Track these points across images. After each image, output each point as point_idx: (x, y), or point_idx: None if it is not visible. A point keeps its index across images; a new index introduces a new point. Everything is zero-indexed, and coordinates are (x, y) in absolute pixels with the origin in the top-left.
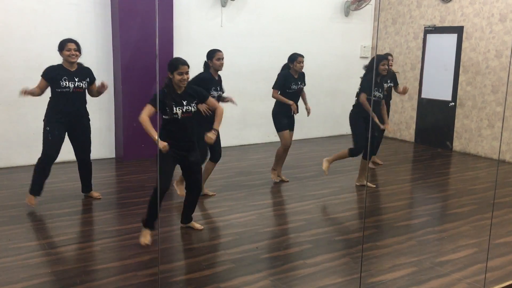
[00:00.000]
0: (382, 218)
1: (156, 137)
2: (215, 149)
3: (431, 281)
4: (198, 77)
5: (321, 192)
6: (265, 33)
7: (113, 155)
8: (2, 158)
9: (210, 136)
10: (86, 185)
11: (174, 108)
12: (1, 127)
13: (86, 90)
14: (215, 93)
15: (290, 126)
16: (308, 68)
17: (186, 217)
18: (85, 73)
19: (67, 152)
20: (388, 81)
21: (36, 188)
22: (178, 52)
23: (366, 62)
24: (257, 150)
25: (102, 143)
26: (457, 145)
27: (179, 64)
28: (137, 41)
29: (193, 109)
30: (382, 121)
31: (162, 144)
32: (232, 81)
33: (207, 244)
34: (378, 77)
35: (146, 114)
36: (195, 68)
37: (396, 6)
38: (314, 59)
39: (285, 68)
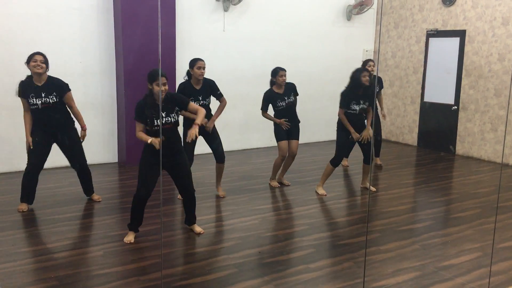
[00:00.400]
0: (385, 222)
1: (149, 140)
2: (217, 149)
3: (435, 286)
4: (178, 87)
5: (323, 196)
6: (268, 37)
7: (116, 160)
8: (5, 163)
9: (191, 132)
10: (87, 189)
11: (155, 120)
12: (4, 132)
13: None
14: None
15: (290, 136)
16: (311, 72)
17: (188, 219)
18: (54, 87)
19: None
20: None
21: (27, 196)
22: (181, 57)
23: None
24: (260, 154)
25: (105, 147)
26: (460, 148)
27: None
28: (140, 46)
29: (173, 120)
30: (363, 128)
31: (155, 141)
32: (235, 85)
33: (210, 249)
34: (361, 89)
35: (138, 130)
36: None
37: (398, 10)
38: (317, 63)
39: (271, 83)
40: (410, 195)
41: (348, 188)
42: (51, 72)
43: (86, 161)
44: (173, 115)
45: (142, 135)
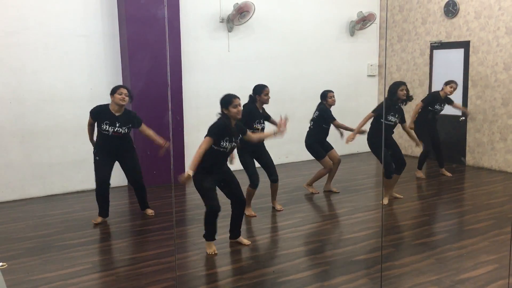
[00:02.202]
0: (399, 237)
1: (190, 172)
2: (270, 169)
3: None
4: (244, 109)
5: (336, 212)
6: (272, 55)
7: (126, 183)
8: (16, 190)
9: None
10: (143, 204)
11: (226, 142)
12: (16, 159)
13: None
14: (258, 126)
15: (328, 149)
16: (316, 88)
17: (235, 232)
18: (129, 120)
19: (79, 181)
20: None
21: (101, 210)
22: (187, 78)
23: (374, 80)
24: None
25: (114, 171)
26: (470, 159)
27: (232, 98)
28: (147, 70)
29: (235, 144)
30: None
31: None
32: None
33: (223, 270)
34: (397, 102)
35: (204, 147)
36: (204, 94)
37: (401, 23)
38: (322, 79)
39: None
40: (422, 208)
41: (360, 203)
42: (61, 98)
43: (142, 178)
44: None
45: (194, 160)
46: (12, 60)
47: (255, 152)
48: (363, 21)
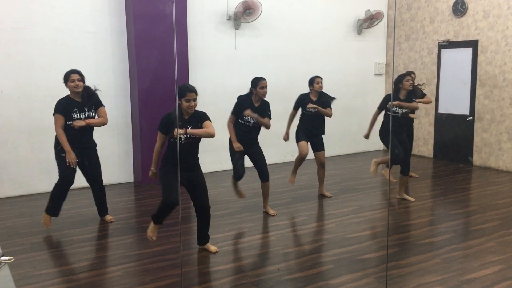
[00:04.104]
0: (404, 236)
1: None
2: (261, 168)
3: None
4: (237, 100)
5: (341, 211)
6: (279, 53)
7: (132, 180)
8: (23, 185)
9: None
10: (102, 210)
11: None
12: (23, 154)
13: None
14: (248, 118)
15: (317, 148)
16: (324, 86)
17: (202, 238)
18: (92, 101)
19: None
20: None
21: (53, 209)
22: (194, 75)
23: (381, 79)
24: (274, 170)
25: (121, 167)
26: (477, 159)
27: (186, 92)
28: (154, 67)
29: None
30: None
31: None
32: None
33: (228, 267)
34: (403, 93)
35: (159, 142)
36: (211, 91)
37: (409, 22)
38: (329, 77)
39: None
40: (428, 207)
41: (365, 201)
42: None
43: (101, 178)
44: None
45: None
46: (20, 56)
47: (245, 148)
48: (371, 19)
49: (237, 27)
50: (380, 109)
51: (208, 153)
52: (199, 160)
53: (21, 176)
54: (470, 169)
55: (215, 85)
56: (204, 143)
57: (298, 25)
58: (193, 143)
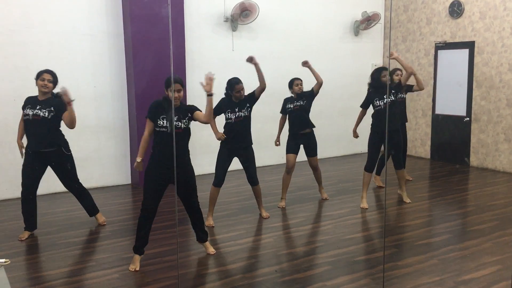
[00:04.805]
0: (402, 237)
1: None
2: (249, 172)
3: None
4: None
5: (338, 212)
6: (276, 55)
7: (129, 181)
8: (20, 188)
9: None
10: (90, 210)
11: (164, 120)
12: (20, 156)
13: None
14: (231, 115)
15: (309, 154)
16: (323, 88)
17: (199, 236)
18: (51, 103)
19: (82, 180)
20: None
21: (27, 222)
22: (190, 77)
23: None
24: (271, 172)
25: (118, 169)
26: (474, 160)
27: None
28: (151, 69)
29: (183, 125)
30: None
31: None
32: None
33: (225, 269)
34: (381, 89)
35: (148, 129)
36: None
37: (406, 23)
38: (326, 79)
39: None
40: (425, 208)
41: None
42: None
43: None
44: (184, 121)
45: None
46: (16, 59)
47: (237, 151)
48: (368, 21)
49: (234, 29)
50: (362, 105)
51: (206, 155)
52: (193, 160)
53: (18, 178)
54: (467, 170)
55: (213, 87)
56: (202, 144)
57: (295, 26)
58: (180, 135)
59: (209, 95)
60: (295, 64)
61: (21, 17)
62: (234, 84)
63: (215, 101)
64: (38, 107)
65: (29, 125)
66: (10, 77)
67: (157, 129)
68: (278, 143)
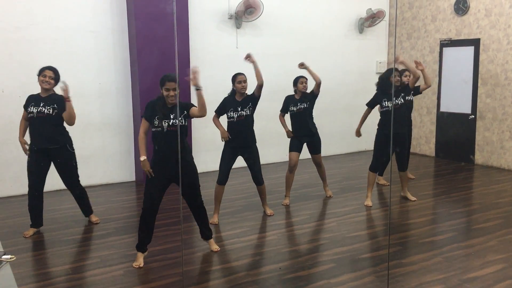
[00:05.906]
0: (406, 235)
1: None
2: (253, 171)
3: None
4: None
5: (343, 210)
6: (281, 52)
7: (133, 178)
8: (25, 185)
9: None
10: (85, 210)
11: (160, 120)
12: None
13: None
14: (233, 114)
15: (313, 152)
16: (324, 86)
17: (203, 232)
18: (53, 100)
19: (87, 176)
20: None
21: (33, 219)
22: None
23: None
24: (276, 169)
25: (122, 166)
26: (479, 158)
27: (165, 81)
28: (155, 66)
29: (180, 123)
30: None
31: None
32: None
33: (230, 266)
34: (390, 90)
35: (143, 129)
36: (211, 90)
37: (411, 21)
38: (331, 76)
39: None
40: (430, 206)
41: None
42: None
43: (79, 180)
44: (180, 118)
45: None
46: (21, 55)
47: (240, 150)
48: (372, 18)
49: (238, 26)
50: (368, 104)
51: (210, 153)
52: (197, 158)
53: (23, 175)
54: (472, 167)
55: (216, 84)
56: (206, 142)
57: (300, 24)
58: (176, 133)
59: (197, 89)
60: (299, 61)
61: (26, 14)
62: (236, 75)
63: (218, 100)
64: (41, 104)
65: (34, 123)
66: (15, 74)
67: (154, 129)
68: (290, 133)
